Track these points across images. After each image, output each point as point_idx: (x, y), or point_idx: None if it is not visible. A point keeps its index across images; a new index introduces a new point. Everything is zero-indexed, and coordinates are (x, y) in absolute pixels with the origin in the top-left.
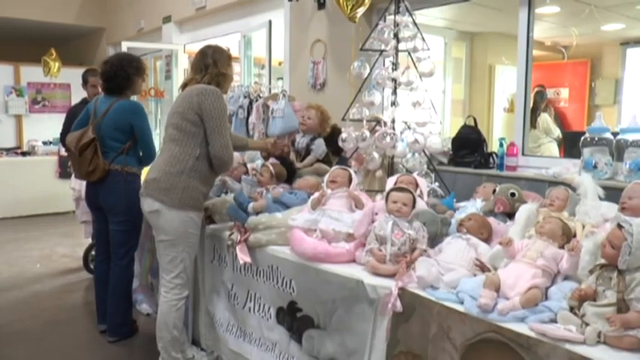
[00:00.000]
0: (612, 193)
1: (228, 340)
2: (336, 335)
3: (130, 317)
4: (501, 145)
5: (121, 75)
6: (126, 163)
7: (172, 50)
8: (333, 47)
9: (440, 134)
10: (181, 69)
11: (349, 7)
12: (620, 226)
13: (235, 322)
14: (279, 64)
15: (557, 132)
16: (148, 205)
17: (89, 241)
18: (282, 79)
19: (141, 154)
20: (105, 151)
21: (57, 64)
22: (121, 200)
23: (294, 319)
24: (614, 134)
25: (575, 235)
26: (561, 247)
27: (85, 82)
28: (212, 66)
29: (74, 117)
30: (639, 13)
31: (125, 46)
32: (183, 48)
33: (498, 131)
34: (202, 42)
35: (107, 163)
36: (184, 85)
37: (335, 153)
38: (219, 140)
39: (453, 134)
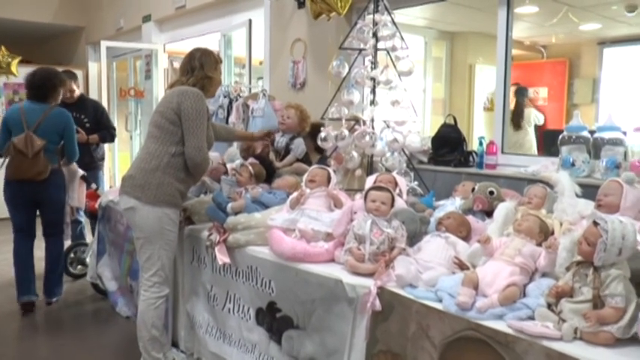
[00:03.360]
0: (589, 191)
1: (208, 341)
2: (316, 335)
3: (63, 279)
4: (481, 143)
5: (48, 85)
6: (58, 161)
7: (152, 50)
8: (313, 46)
9: (419, 133)
10: (161, 69)
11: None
12: (595, 223)
13: (215, 324)
14: (260, 63)
15: (542, 119)
16: (123, 202)
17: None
18: (262, 78)
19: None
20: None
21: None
22: (62, 193)
23: (273, 320)
24: (592, 132)
25: (552, 233)
26: (539, 244)
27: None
28: (198, 69)
29: None
30: (616, 14)
31: (104, 45)
32: (163, 47)
33: (478, 130)
34: (182, 41)
35: (49, 164)
36: (170, 87)
37: (317, 150)
38: (193, 141)
39: (433, 133)
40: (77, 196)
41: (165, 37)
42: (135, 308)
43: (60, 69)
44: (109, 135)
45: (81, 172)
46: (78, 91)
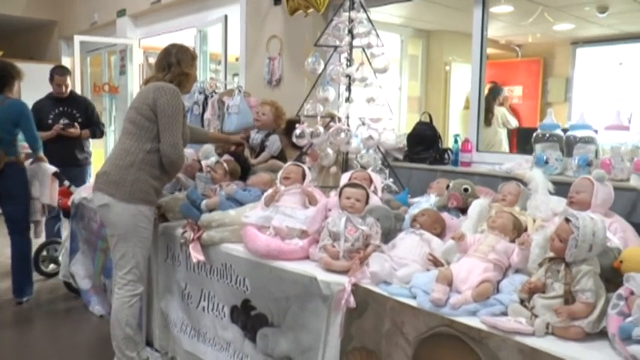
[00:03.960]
0: (562, 188)
1: (182, 340)
2: (290, 333)
3: (32, 277)
4: (456, 141)
5: (5, 75)
6: (17, 153)
7: (127, 45)
8: (289, 43)
9: (394, 130)
10: (136, 64)
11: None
12: (567, 220)
13: (189, 322)
14: (236, 59)
15: (514, 123)
16: (97, 199)
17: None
18: (238, 74)
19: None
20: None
21: None
22: (22, 186)
23: (248, 318)
24: (565, 131)
25: (526, 229)
26: (512, 241)
27: (51, 79)
28: (175, 65)
29: (39, 112)
30: (588, 14)
31: (78, 40)
32: (138, 42)
33: (454, 128)
34: (157, 37)
35: (5, 155)
36: (146, 82)
37: (293, 147)
38: (169, 138)
39: (409, 131)
40: (49, 193)
41: (141, 32)
42: (108, 307)
43: (52, 64)
44: (98, 131)
45: (53, 168)
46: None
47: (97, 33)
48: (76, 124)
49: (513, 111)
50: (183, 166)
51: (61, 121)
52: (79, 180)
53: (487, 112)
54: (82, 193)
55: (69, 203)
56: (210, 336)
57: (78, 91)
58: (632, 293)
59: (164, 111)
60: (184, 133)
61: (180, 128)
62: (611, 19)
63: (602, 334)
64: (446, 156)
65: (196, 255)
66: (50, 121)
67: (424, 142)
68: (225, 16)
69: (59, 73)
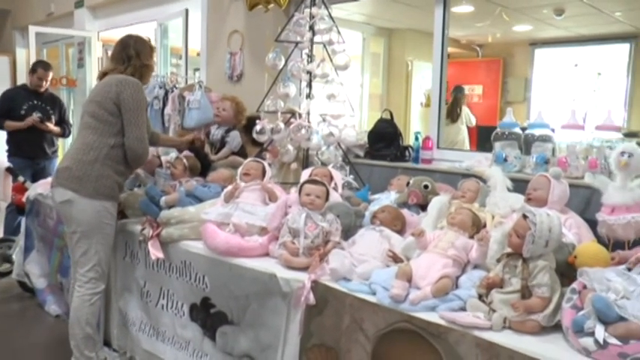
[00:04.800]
0: (521, 185)
1: (141, 339)
2: (250, 331)
3: None
4: (417, 138)
5: None
6: None
7: (85, 37)
8: (250, 38)
9: (355, 127)
10: (95, 57)
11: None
12: (524, 217)
13: (148, 321)
14: (197, 54)
15: (474, 121)
16: (59, 195)
17: None
18: (199, 69)
19: None
20: None
21: None
22: None
23: (207, 316)
24: (523, 129)
25: (485, 226)
26: (471, 237)
27: (33, 71)
28: (135, 57)
29: (12, 101)
30: (546, 16)
31: (33, 31)
32: (97, 35)
33: (415, 125)
34: (117, 29)
35: None
36: (103, 75)
37: (253, 143)
38: (135, 132)
39: (370, 128)
40: (1, 189)
41: (100, 25)
42: (65, 306)
43: (5, 56)
44: (68, 130)
45: (6, 164)
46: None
47: (53, 24)
48: (52, 119)
49: (473, 110)
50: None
51: (35, 114)
52: (47, 172)
53: (454, 110)
54: (38, 189)
55: (24, 199)
56: (170, 335)
57: None
58: (584, 287)
59: (128, 105)
60: (148, 126)
61: (145, 122)
62: (567, 22)
63: (557, 328)
64: (407, 153)
65: (155, 252)
66: (23, 112)
67: (385, 139)
68: (186, 10)
69: (43, 67)
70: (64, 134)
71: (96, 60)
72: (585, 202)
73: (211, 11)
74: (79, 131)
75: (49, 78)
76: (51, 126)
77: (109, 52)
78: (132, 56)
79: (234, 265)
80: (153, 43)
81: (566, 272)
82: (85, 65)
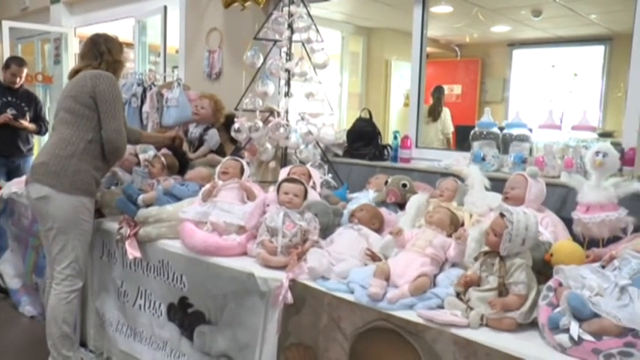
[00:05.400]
0: (499, 184)
1: (118, 340)
2: (228, 330)
3: None
4: (395, 137)
5: None
6: None
7: (62, 33)
8: (229, 36)
9: (333, 126)
10: (72, 53)
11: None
12: (502, 215)
13: (125, 321)
14: (176, 52)
15: (450, 129)
16: (35, 190)
17: None
18: (177, 67)
19: None
20: None
21: None
22: None
23: (185, 315)
24: (501, 129)
25: (462, 224)
26: (449, 235)
27: (6, 67)
28: (107, 53)
29: None
30: (524, 17)
31: (7, 25)
32: (73, 31)
33: (395, 124)
34: (95, 25)
35: None
36: (76, 72)
37: (232, 141)
38: (112, 124)
39: (349, 127)
40: None
41: (76, 21)
42: (40, 307)
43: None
44: (44, 127)
45: None
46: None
47: (28, 19)
48: (27, 116)
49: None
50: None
51: (9, 111)
52: (22, 170)
53: (436, 109)
54: (13, 187)
55: None
56: (147, 335)
57: None
58: (560, 285)
59: (105, 97)
60: (124, 121)
61: (122, 114)
62: (544, 23)
63: (533, 325)
64: (385, 152)
65: (132, 252)
66: None
67: (364, 138)
68: (165, 7)
69: (17, 63)
70: (40, 132)
71: (72, 56)
72: (561, 201)
73: (190, 8)
74: (54, 127)
75: (24, 74)
76: (25, 123)
77: None
78: (104, 52)
79: (211, 265)
80: (131, 40)
81: (543, 270)
82: (61, 62)
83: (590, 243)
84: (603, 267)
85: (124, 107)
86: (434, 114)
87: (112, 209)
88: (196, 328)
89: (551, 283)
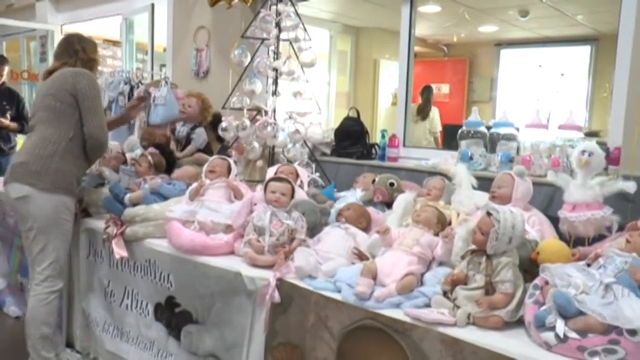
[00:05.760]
0: (486, 183)
1: (105, 340)
2: (215, 330)
3: None
4: (383, 136)
5: None
6: None
7: (48, 30)
8: (217, 34)
9: (321, 125)
10: None
11: None
12: (488, 214)
13: (112, 321)
14: (164, 50)
15: (439, 128)
16: (15, 190)
17: None
18: (165, 65)
19: None
20: None
21: None
22: None
23: (172, 315)
24: (488, 128)
25: (450, 223)
26: (437, 234)
27: None
28: (81, 51)
29: None
30: (511, 18)
31: None
32: (60, 29)
33: (383, 123)
34: (81, 23)
35: None
36: (50, 73)
37: (219, 140)
38: (95, 120)
39: (337, 125)
40: None
41: (63, 18)
42: (25, 307)
43: None
44: (26, 126)
45: None
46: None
47: (13, 16)
48: (7, 115)
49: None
50: (107, 158)
51: None
52: (3, 170)
53: (425, 108)
54: None
55: None
56: (134, 335)
57: None
58: (546, 283)
59: (86, 94)
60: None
61: (102, 111)
62: (531, 24)
63: (520, 323)
64: (373, 151)
65: (119, 251)
66: None
67: (351, 137)
68: (152, 5)
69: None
70: (23, 130)
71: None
72: (548, 200)
73: (177, 6)
74: (32, 127)
75: (5, 72)
76: (6, 122)
77: None
78: (78, 51)
79: (199, 264)
80: (118, 38)
81: (529, 268)
82: (47, 59)
83: (576, 241)
84: (589, 265)
85: (111, 106)
86: (423, 113)
87: (98, 208)
88: (183, 327)
89: (537, 281)
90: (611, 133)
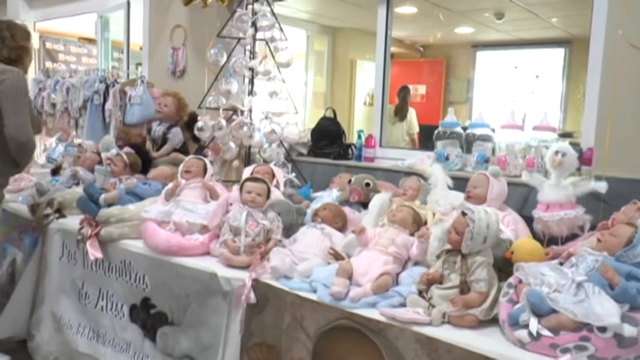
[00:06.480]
0: (462, 183)
1: (79, 342)
2: (191, 331)
3: None
4: (360, 137)
5: None
6: None
7: None
8: (193, 33)
9: (297, 125)
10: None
11: None
12: (463, 214)
13: (87, 323)
14: (140, 48)
15: (416, 129)
16: None
17: None
18: (141, 64)
19: None
20: None
21: None
22: None
23: (147, 316)
24: (464, 129)
25: (425, 223)
26: (412, 234)
27: None
28: (9, 38)
29: None
30: (487, 20)
31: None
32: (33, 25)
33: (359, 124)
34: (55, 20)
35: None
36: None
37: (195, 140)
38: (15, 120)
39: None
40: None
41: (36, 15)
42: None
43: None
44: None
45: None
46: None
47: None
48: None
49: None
50: (82, 158)
51: None
52: None
53: (403, 108)
54: None
55: None
56: (110, 337)
57: None
58: (520, 282)
59: (6, 94)
60: (32, 116)
61: (27, 110)
62: (507, 26)
63: (494, 321)
64: (350, 151)
65: (94, 252)
66: None
67: (328, 137)
68: (128, 2)
69: None
70: None
71: (33, 52)
72: (523, 200)
73: (153, 4)
74: None
75: None
76: None
77: (47, 44)
78: (6, 37)
79: (174, 265)
80: (93, 36)
81: (504, 267)
82: None
83: (549, 241)
84: (561, 264)
85: (86, 105)
86: (400, 114)
87: (72, 209)
88: (159, 329)
89: (511, 280)
90: (584, 134)
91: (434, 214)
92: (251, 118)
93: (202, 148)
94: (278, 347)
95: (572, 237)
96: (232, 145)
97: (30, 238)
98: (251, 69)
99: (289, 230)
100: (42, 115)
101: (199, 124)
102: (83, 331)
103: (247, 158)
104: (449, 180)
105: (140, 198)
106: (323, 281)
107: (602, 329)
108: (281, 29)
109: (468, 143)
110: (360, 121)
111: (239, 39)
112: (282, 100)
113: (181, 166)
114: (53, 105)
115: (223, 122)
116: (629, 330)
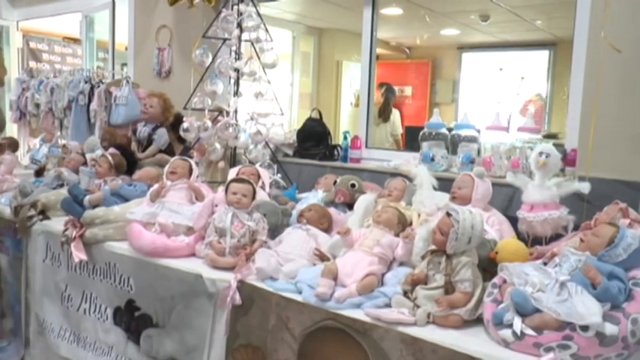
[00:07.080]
0: (447, 184)
1: (60, 346)
2: (175, 333)
3: None
4: (345, 138)
5: None
6: None
7: (2, 26)
8: (179, 34)
9: (283, 126)
10: (14, 48)
11: None
12: (448, 214)
13: (68, 327)
14: (125, 48)
15: (400, 131)
16: None
17: None
18: (126, 64)
19: None
20: None
21: None
22: None
23: (131, 319)
24: (450, 130)
25: (410, 224)
26: (397, 235)
27: None
28: None
29: None
30: (472, 22)
31: None
32: (16, 25)
33: (345, 125)
34: (39, 19)
35: None
36: None
37: (181, 141)
38: None
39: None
40: None
41: (19, 14)
42: None
43: None
44: None
45: None
46: None
47: None
48: None
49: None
50: (66, 159)
51: None
52: None
53: (386, 109)
54: None
55: None
56: (91, 340)
57: None
58: (505, 282)
59: None
60: None
61: None
62: (492, 28)
63: (479, 321)
64: (336, 152)
65: (78, 254)
66: None
67: (314, 138)
68: (113, 2)
69: None
70: None
71: (15, 51)
72: (508, 200)
73: (139, 4)
74: None
75: None
76: None
77: (31, 44)
78: None
79: (159, 266)
80: (78, 35)
81: (488, 267)
82: (2, 56)
83: (534, 241)
84: (545, 264)
85: (71, 105)
86: (384, 115)
87: (56, 211)
88: (143, 331)
89: (495, 280)
90: (568, 135)
91: (419, 215)
92: (236, 119)
93: (188, 149)
94: (263, 348)
95: (556, 237)
96: (218, 146)
97: (12, 240)
98: (236, 70)
99: (275, 231)
100: (26, 115)
101: (185, 125)
102: (64, 334)
103: (233, 159)
104: (434, 181)
105: (125, 199)
106: (308, 282)
107: (585, 328)
108: (266, 30)
109: (453, 144)
110: (346, 122)
111: (225, 40)
112: (268, 101)
113: (167, 167)
114: (37, 105)
115: (209, 123)
116: (610, 328)
